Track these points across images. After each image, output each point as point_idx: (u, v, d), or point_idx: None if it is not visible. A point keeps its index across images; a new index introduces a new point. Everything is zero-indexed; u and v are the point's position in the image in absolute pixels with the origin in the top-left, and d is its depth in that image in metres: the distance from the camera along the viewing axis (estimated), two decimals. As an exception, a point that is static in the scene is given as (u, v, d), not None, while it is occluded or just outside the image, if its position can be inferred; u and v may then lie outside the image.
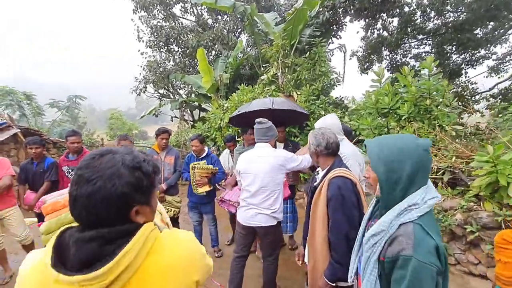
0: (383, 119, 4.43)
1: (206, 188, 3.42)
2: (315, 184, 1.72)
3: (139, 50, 13.12)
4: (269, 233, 2.46)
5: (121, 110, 23.28)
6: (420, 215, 0.95)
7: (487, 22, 9.39)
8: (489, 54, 13.04)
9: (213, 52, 12.98)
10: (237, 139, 4.10)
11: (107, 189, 0.67)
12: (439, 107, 3.91)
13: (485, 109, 8.22)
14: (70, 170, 3.30)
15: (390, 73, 13.19)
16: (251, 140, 3.44)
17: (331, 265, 1.56)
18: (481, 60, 12.91)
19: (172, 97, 13.62)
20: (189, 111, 12.98)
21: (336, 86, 6.95)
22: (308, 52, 6.75)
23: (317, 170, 1.91)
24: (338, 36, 11.02)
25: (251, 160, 2.48)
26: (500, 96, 10.97)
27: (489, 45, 11.88)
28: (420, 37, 14.77)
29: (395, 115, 4.26)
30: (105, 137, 13.64)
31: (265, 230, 2.43)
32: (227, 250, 3.83)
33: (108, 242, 0.67)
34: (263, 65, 8.27)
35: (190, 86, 12.66)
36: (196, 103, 12.10)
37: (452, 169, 3.27)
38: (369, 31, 14.36)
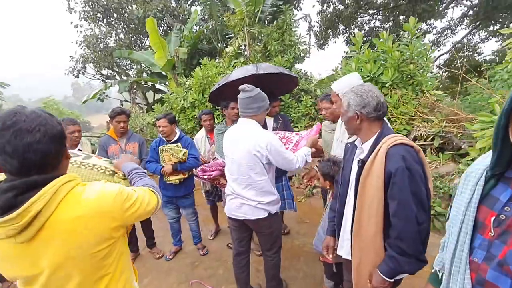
0: (365, 88, 4.23)
1: (180, 175, 2.84)
2: (361, 157, 1.31)
3: (71, 23, 11.05)
4: (262, 226, 2.04)
5: (56, 99, 20.16)
6: None
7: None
8: (430, 29, 14.09)
9: (162, 27, 11.57)
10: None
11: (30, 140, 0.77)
12: (421, 71, 3.81)
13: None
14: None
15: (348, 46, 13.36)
16: (234, 116, 2.91)
17: (392, 258, 1.20)
18: (423, 35, 13.86)
19: (118, 77, 11.97)
20: (141, 94, 11.58)
21: (306, 58, 6.63)
22: (275, 21, 6.22)
23: (351, 139, 1.50)
24: (298, 8, 10.63)
25: (232, 139, 2.03)
26: (443, 67, 11.92)
27: (430, 19, 12.70)
28: (371, 11, 15.22)
29: (377, 83, 4.07)
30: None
31: (254, 223, 2.03)
32: (213, 246, 3.35)
33: (21, 192, 0.78)
34: (227, 37, 7.53)
35: (140, 65, 11.20)
36: (150, 84, 10.81)
37: (442, 134, 3.19)
38: (325, 4, 14.23)
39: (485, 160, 0.89)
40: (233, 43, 6.28)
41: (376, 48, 4.31)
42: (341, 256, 1.56)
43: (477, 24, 11.49)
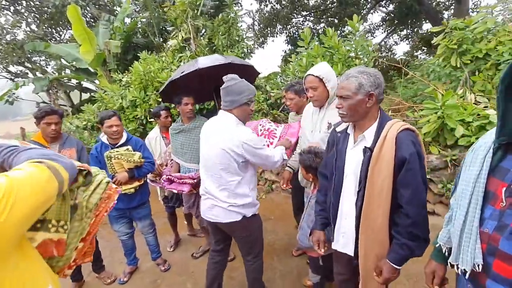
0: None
1: (135, 183, 2.45)
2: (367, 145, 1.24)
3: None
4: (236, 230, 1.89)
5: None
6: None
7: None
8: (354, 31, 15.77)
9: (85, 19, 10.12)
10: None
11: None
12: (366, 66, 4.10)
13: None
14: None
15: (290, 46, 13.96)
16: (188, 113, 2.63)
17: (403, 246, 1.17)
18: (348, 36, 15.44)
19: (32, 75, 10.01)
20: (64, 94, 9.91)
21: (252, 55, 6.57)
22: (220, 15, 5.98)
23: (341, 127, 1.42)
24: (239, 4, 10.54)
25: (205, 133, 1.86)
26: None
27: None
28: (304, 13, 16.18)
29: (327, 77, 4.23)
30: None
31: (227, 226, 1.87)
32: (174, 259, 3.00)
33: None
34: (166, 30, 6.96)
35: (60, 60, 9.57)
36: (75, 82, 9.32)
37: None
38: (262, 3, 14.53)
39: (492, 135, 0.90)
40: (176, 36, 5.82)
41: (323, 44, 4.49)
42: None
43: (392, 28, 13.23)
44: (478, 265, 0.89)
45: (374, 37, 16.26)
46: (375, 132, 1.23)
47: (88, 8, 9.55)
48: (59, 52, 7.99)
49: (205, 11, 7.08)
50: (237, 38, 5.88)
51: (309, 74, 1.88)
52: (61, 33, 11.30)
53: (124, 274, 2.72)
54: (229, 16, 5.91)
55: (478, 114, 2.53)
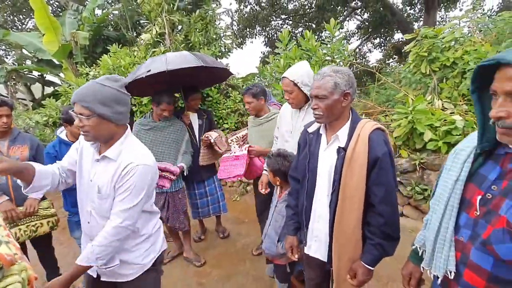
0: (293, 84, 4.37)
1: None
2: (340, 146, 1.19)
3: None
4: None
5: None
6: None
7: (336, 7, 11.27)
8: (331, 37, 16.28)
9: (51, 8, 9.44)
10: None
11: None
12: (340, 70, 4.17)
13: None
14: None
15: (269, 48, 14.02)
16: (160, 116, 2.50)
17: (377, 246, 1.15)
18: (325, 41, 15.93)
19: (-13, 65, 9.11)
20: (24, 86, 9.12)
21: (230, 54, 6.46)
22: (197, 11, 5.81)
23: (312, 128, 1.36)
24: (218, 2, 10.37)
25: None
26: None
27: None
28: (283, 16, 16.39)
29: (304, 79, 4.25)
30: None
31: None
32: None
33: None
34: (139, 24, 6.65)
35: (21, 50, 8.81)
36: (37, 74, 8.61)
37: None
38: (242, 3, 14.49)
39: (475, 139, 0.87)
40: (150, 31, 5.56)
41: (301, 47, 4.51)
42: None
43: (366, 36, 13.76)
44: (451, 272, 0.87)
45: (350, 44, 16.89)
46: (348, 132, 1.20)
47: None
48: (20, 41, 7.34)
49: (181, 7, 6.87)
50: (214, 36, 5.75)
51: (285, 77, 1.83)
52: (23, 21, 10.45)
53: (83, 284, 2.49)
54: (207, 13, 5.77)
55: (445, 120, 2.64)
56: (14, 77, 8.20)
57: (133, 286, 1.37)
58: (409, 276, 1.12)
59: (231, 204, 4.01)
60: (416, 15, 13.58)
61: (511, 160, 0.78)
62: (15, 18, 9.78)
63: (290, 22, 16.63)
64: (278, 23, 16.60)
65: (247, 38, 16.10)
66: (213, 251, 2.96)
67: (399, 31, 12.40)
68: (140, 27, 8.45)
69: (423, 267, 0.99)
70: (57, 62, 7.74)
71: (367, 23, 12.85)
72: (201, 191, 2.94)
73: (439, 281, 0.92)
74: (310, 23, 13.28)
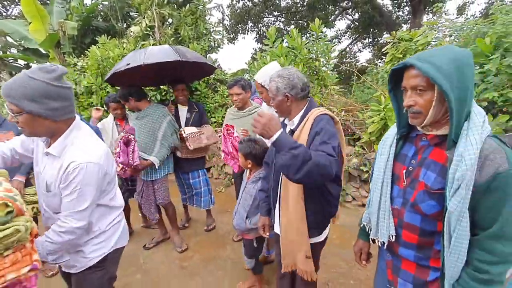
0: (278, 80, 4.51)
1: None
2: (292, 128, 1.41)
3: None
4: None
5: None
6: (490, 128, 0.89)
7: (327, 6, 11.45)
8: (322, 35, 16.46)
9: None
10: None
11: None
12: (323, 68, 4.33)
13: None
14: None
15: (260, 44, 14.07)
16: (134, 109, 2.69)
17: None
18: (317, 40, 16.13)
19: (-29, 52, 8.86)
20: (8, 75, 8.93)
21: (219, 49, 6.54)
22: (188, 5, 5.86)
23: (280, 119, 1.54)
24: (209, -3, 10.36)
25: None
26: (335, 70, 14.08)
27: (324, 27, 14.83)
28: (276, 13, 16.47)
29: (289, 76, 4.39)
30: None
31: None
32: (125, 250, 2.91)
33: None
34: (129, 16, 6.63)
35: (5, 37, 8.61)
36: (22, 63, 8.45)
37: (341, 122, 3.73)
38: (234, -1, 14.49)
39: (395, 129, 1.10)
40: (140, 23, 5.58)
41: (287, 44, 4.65)
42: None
43: (356, 36, 14.02)
44: (392, 236, 1.06)
45: (341, 43, 17.13)
46: (300, 119, 1.40)
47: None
48: (5, 28, 7.20)
49: (173, 0, 6.89)
50: (204, 31, 5.81)
51: (255, 79, 2.02)
52: (8, 7, 10.18)
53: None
54: (197, 8, 5.82)
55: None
56: (-2, 65, 8.06)
57: (77, 280, 1.33)
58: (360, 252, 1.31)
59: (216, 195, 4.15)
60: (406, 17, 13.94)
61: (420, 139, 1.01)
62: (2, 4, 9.51)
63: (283, 19, 16.75)
64: (270, 19, 16.70)
65: (239, 34, 16.14)
66: (196, 238, 3.10)
67: (387, 32, 12.72)
68: (130, 19, 8.40)
69: (371, 238, 1.17)
70: (44, 52, 7.64)
71: (357, 23, 13.08)
72: (187, 182, 3.06)
73: (385, 246, 1.11)
74: (301, 21, 13.42)
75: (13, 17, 9.87)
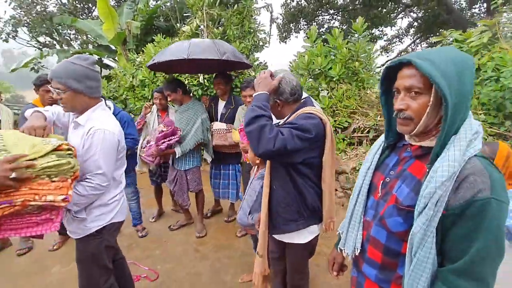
0: (315, 80, 4.44)
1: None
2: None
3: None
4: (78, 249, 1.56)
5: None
6: (480, 146, 0.77)
7: (387, 3, 10.66)
8: (382, 35, 15.31)
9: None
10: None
11: None
12: (364, 69, 4.12)
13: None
14: None
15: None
16: (176, 102, 2.91)
17: None
18: (375, 40, 15.11)
19: (59, 47, 10.61)
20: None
21: (264, 47, 6.64)
22: (236, 5, 6.10)
23: (276, 122, 1.58)
24: (258, -4, 10.57)
25: None
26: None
27: (385, 26, 13.80)
28: (332, 11, 15.92)
29: (326, 77, 4.29)
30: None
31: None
32: (153, 228, 3.25)
33: None
34: (184, 16, 7.17)
35: (85, 35, 10.09)
36: (96, 57, 9.79)
37: (376, 127, 3.52)
38: (289, -3, 14.45)
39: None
40: (191, 23, 6.01)
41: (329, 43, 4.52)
42: None
43: (420, 35, 12.77)
44: (357, 249, 1.00)
45: (402, 43, 15.77)
46: (286, 119, 1.48)
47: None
48: (84, 27, 8.43)
49: (225, 1, 7.22)
50: (249, 30, 5.98)
51: None
52: (91, 9, 11.82)
53: (54, 242, 2.87)
54: (244, 8, 6.01)
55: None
56: (78, 59, 9.44)
57: (78, 244, 1.52)
58: (333, 261, 1.24)
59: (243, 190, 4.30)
60: (482, 15, 12.20)
61: (405, 150, 0.92)
62: (85, 6, 11.08)
63: (339, 17, 16.12)
64: (325, 18, 16.22)
65: (292, 33, 16.05)
66: (215, 226, 3.28)
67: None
68: (187, 18, 9.05)
69: (340, 248, 1.11)
70: (113, 48, 8.72)
71: (420, 22, 11.92)
72: (216, 173, 3.23)
73: (349, 259, 1.06)
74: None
75: (96, 17, 11.45)
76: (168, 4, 8.97)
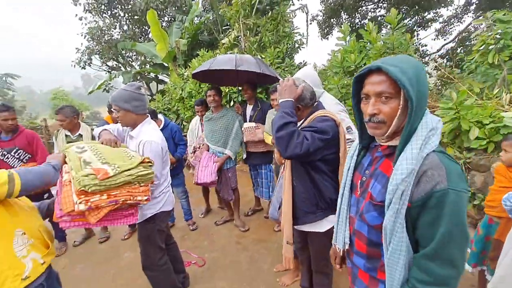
0: (350, 78, 4.41)
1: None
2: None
3: (76, 15, 11.39)
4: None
5: (66, 90, 20.81)
6: (438, 141, 0.84)
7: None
8: (437, 17, 13.84)
9: (166, 18, 11.78)
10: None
11: None
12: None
13: (433, 69, 8.76)
14: (6, 153, 2.77)
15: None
16: (210, 103, 3.19)
17: None
18: (429, 23, 13.73)
19: (123, 69, 12.31)
20: (145, 84, 11.92)
21: (301, 49, 6.75)
22: (270, 12, 6.36)
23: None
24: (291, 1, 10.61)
25: None
26: (447, 57, 11.79)
27: (438, 7, 12.51)
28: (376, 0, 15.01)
29: (361, 73, 4.23)
30: (50, 121, 12.13)
31: None
32: (202, 223, 3.69)
33: None
34: (223, 29, 7.71)
35: (143, 56, 11.51)
36: (153, 75, 11.11)
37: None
38: (329, -8, 14.13)
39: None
40: (229, 35, 6.47)
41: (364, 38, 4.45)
42: None
43: (481, 13, 11.25)
44: (346, 243, 1.10)
45: (462, 23, 14.04)
46: (303, 121, 1.65)
47: (168, 10, 11.10)
48: (142, 50, 9.66)
49: (261, 9, 7.54)
50: (283, 34, 6.16)
51: None
52: (147, 31, 13.37)
53: (78, 241, 3.41)
54: (278, 14, 6.23)
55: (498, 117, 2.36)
56: (138, 78, 10.86)
57: (139, 228, 1.95)
58: (334, 255, 1.32)
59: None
60: None
61: (377, 150, 1.00)
62: (142, 30, 12.60)
63: (385, 4, 15.13)
64: (368, 7, 15.39)
65: (333, 28, 15.63)
66: (256, 222, 3.56)
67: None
68: (229, 27, 9.66)
69: (334, 244, 1.19)
70: (166, 65, 9.78)
71: (481, -3, 10.51)
72: (254, 173, 3.53)
73: (341, 252, 1.19)
74: (406, 6, 11.83)
75: (151, 40, 12.95)
76: (211, 17, 9.69)
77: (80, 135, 3.07)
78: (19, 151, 2.82)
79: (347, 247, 1.10)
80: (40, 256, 1.29)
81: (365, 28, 4.30)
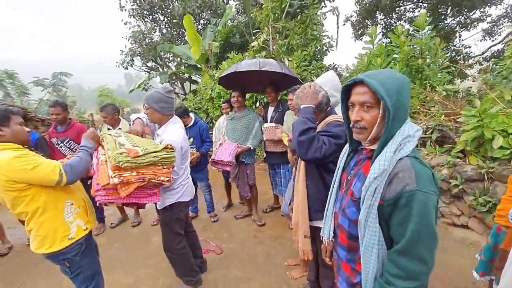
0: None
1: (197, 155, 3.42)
2: None
3: (121, 20, 12.44)
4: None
5: (111, 88, 22.70)
6: (412, 148, 0.93)
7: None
8: (484, 17, 12.67)
9: (201, 21, 12.38)
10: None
11: None
12: (430, 66, 3.86)
13: (478, 73, 8.16)
14: (60, 142, 3.26)
15: (386, 38, 12.84)
16: (234, 103, 3.42)
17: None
18: (475, 23, 12.62)
19: (161, 69, 13.18)
20: (179, 84, 12.65)
21: (329, 51, 6.76)
22: (299, 15, 6.46)
23: None
24: (323, 2, 10.51)
25: None
26: (493, 59, 10.86)
27: (484, 6, 11.52)
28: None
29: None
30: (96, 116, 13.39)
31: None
32: (223, 216, 3.94)
33: None
34: (254, 32, 7.95)
35: (179, 58, 12.22)
36: (186, 75, 11.75)
37: (440, 128, 3.31)
38: (364, -8, 13.74)
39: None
40: (259, 38, 6.68)
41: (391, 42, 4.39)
42: None
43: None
44: (331, 236, 1.22)
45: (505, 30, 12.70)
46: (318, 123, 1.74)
47: (203, 14, 11.66)
48: (178, 52, 10.27)
49: (292, 12, 7.66)
50: (312, 37, 6.23)
51: None
52: (184, 34, 14.12)
53: (114, 223, 3.81)
54: (307, 17, 6.31)
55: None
56: (173, 78, 11.57)
57: (160, 215, 2.19)
58: (325, 249, 1.38)
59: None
60: None
61: (362, 153, 1.11)
62: (179, 32, 13.34)
63: (425, 4, 14.33)
64: (406, 7, 14.68)
65: (368, 29, 15.17)
66: (273, 219, 3.73)
67: None
68: (259, 30, 9.91)
69: (321, 236, 1.31)
70: (199, 66, 10.30)
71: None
72: (272, 172, 3.71)
73: (326, 244, 1.30)
74: (448, 3, 11.10)
75: (186, 42, 13.69)
76: (243, 20, 10.00)
77: (120, 129, 3.48)
78: (70, 142, 3.28)
79: (331, 238, 1.22)
80: (83, 223, 1.68)
81: (394, 31, 4.24)
